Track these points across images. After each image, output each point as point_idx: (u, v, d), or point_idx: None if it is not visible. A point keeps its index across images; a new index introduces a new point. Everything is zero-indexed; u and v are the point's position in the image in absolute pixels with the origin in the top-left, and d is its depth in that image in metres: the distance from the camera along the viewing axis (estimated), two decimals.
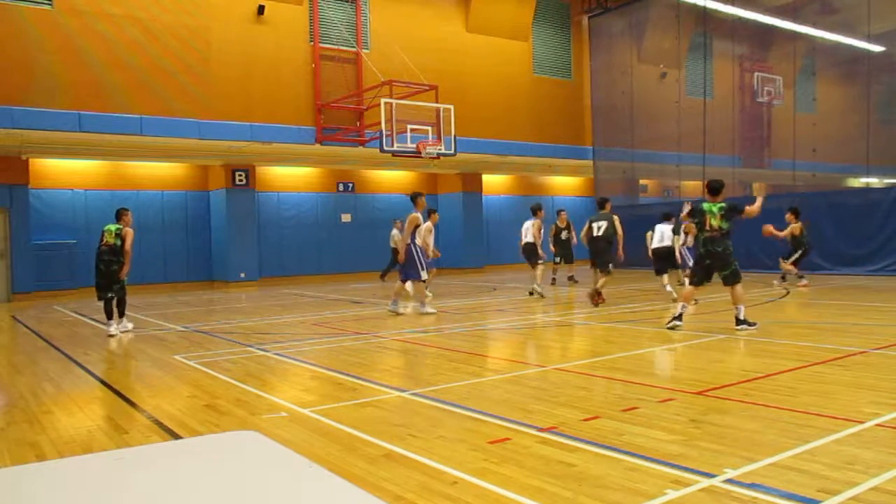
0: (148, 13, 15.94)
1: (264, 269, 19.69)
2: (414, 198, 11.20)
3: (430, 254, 11.89)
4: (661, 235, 11.91)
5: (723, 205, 8.11)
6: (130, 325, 10.11)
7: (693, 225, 9.29)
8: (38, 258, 16.69)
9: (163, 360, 7.45)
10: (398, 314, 10.79)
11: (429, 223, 12.12)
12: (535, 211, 13.89)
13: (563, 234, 16.26)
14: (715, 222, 8.03)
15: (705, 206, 8.17)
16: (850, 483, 3.22)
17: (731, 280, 8.04)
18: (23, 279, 16.31)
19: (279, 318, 11.04)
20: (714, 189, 8.28)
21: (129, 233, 9.61)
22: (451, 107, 15.89)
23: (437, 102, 16.03)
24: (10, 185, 16.21)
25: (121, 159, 17.88)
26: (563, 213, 16.57)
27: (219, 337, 9.13)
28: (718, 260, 8.06)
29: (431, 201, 23.25)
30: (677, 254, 12.15)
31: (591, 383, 5.62)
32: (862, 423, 4.20)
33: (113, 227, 9.63)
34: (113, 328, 9.52)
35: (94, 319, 11.64)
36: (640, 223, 20.27)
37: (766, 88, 21.81)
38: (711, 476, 3.38)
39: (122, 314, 9.86)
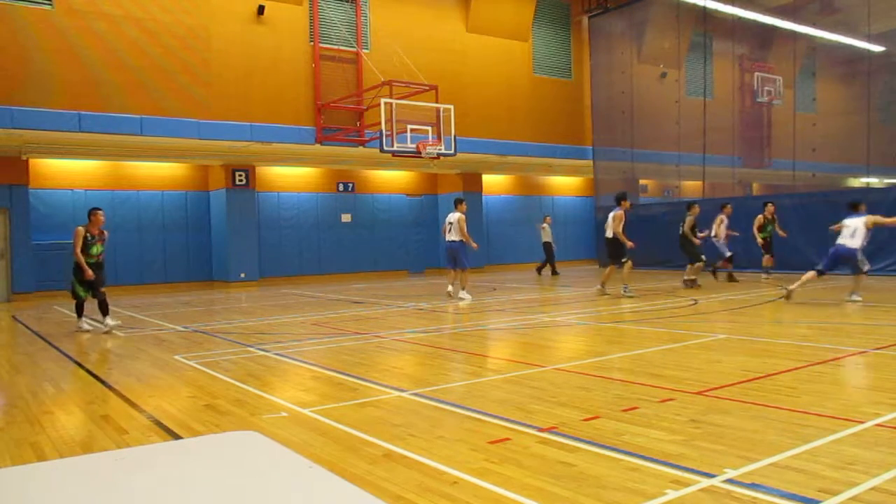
0: (147, 13, 15.95)
1: (264, 269, 19.69)
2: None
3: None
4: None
5: None
6: (85, 326, 10.29)
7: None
8: (38, 258, 16.70)
9: (163, 360, 7.45)
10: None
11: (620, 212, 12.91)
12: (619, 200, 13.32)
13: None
14: None
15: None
16: (850, 483, 3.22)
17: None
18: (23, 279, 16.31)
19: (279, 318, 11.04)
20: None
21: (74, 232, 9.86)
22: (451, 107, 15.89)
23: (437, 102, 16.04)
24: (10, 185, 16.21)
25: (121, 159, 17.88)
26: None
27: (219, 337, 9.13)
28: None
29: (432, 201, 23.30)
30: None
31: (591, 383, 5.62)
32: (862, 423, 4.20)
33: None
34: (84, 324, 10.25)
35: (93, 319, 11.64)
36: (640, 223, 20.37)
37: (766, 88, 21.81)
38: (711, 476, 3.38)
39: (103, 312, 10.11)
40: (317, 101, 17.93)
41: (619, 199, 12.81)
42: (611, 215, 12.68)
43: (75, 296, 10.04)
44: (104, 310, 9.92)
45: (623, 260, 12.61)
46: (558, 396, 5.17)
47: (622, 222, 12.59)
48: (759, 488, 3.20)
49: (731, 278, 14.95)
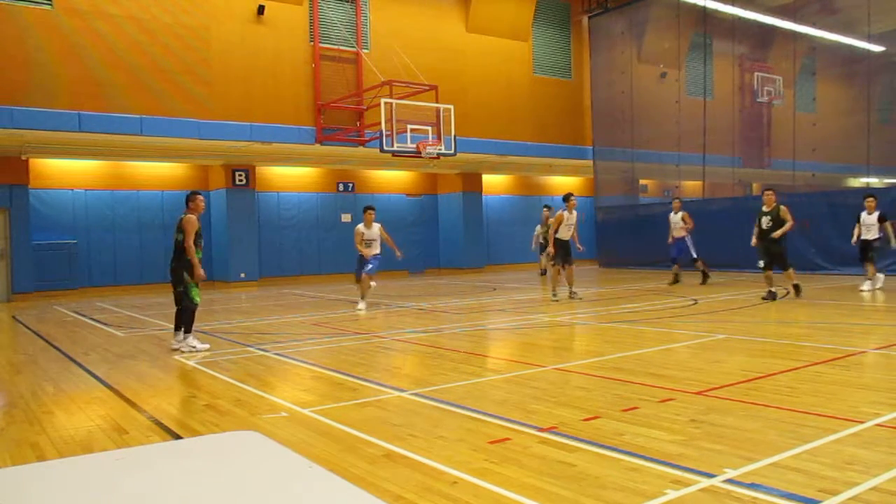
0: (148, 13, 15.94)
1: (264, 269, 19.68)
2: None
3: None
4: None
5: None
6: (199, 346, 7.98)
7: None
8: (38, 258, 16.68)
9: (163, 360, 7.45)
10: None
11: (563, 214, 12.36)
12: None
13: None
14: None
15: None
16: (850, 483, 3.23)
17: None
18: (23, 279, 16.30)
19: (279, 318, 11.04)
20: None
21: (186, 222, 7.84)
22: (451, 107, 15.87)
23: (437, 102, 16.02)
24: (10, 185, 16.20)
25: (121, 159, 17.88)
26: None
27: (219, 337, 9.13)
28: None
29: (432, 201, 23.31)
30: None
31: (591, 383, 5.62)
32: (862, 423, 4.20)
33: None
34: (174, 342, 8.09)
35: (93, 319, 11.64)
36: (640, 222, 20.38)
37: (766, 88, 21.80)
38: (711, 476, 3.38)
39: (179, 327, 8.05)
40: (317, 101, 17.93)
41: (565, 199, 12.40)
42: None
43: (191, 302, 7.99)
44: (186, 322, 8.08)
45: (556, 262, 12.41)
46: (558, 396, 5.17)
47: (560, 224, 12.16)
48: (759, 488, 3.20)
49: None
